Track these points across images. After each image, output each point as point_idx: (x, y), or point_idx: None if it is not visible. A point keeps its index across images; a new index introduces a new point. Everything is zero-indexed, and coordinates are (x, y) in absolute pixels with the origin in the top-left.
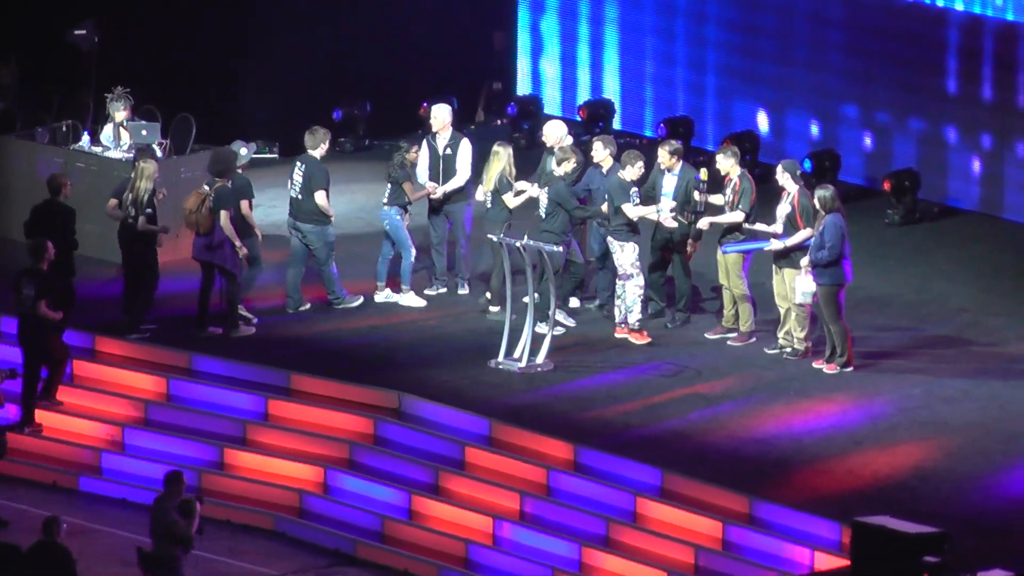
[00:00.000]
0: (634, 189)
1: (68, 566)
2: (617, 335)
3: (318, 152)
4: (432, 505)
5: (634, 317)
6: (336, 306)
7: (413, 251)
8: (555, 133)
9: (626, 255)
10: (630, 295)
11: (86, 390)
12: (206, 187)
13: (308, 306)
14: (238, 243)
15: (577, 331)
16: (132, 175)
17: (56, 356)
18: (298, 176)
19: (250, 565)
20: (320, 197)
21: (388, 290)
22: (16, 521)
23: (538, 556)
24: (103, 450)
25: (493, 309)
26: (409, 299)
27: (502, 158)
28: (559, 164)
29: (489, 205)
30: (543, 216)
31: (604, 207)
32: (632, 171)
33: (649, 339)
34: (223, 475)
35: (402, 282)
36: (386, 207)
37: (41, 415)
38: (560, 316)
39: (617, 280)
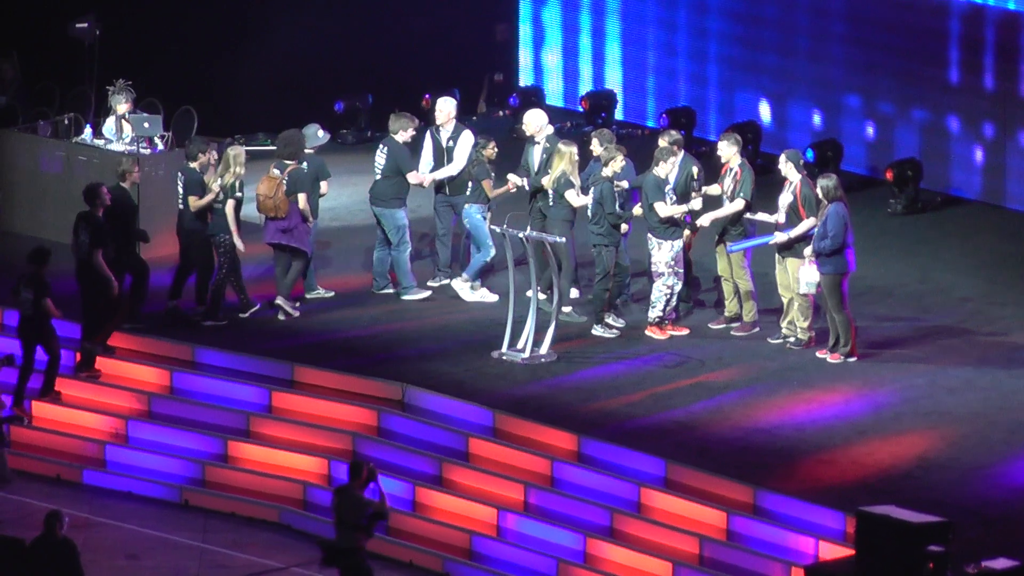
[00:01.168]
0: (669, 187)
1: (72, 559)
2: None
3: (400, 136)
4: (436, 496)
5: (653, 313)
6: (402, 296)
7: (492, 251)
8: (535, 123)
9: (662, 253)
10: (655, 292)
11: (90, 383)
12: (276, 171)
13: (390, 289)
14: (311, 221)
15: (580, 323)
16: (220, 163)
17: (56, 351)
18: (380, 158)
19: (255, 557)
20: (413, 177)
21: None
22: (20, 515)
23: (543, 547)
24: (107, 443)
25: (566, 310)
26: (481, 294)
27: (565, 156)
28: (606, 164)
29: (552, 204)
30: (588, 216)
31: (637, 209)
32: (665, 167)
33: (668, 335)
34: (227, 467)
35: (471, 277)
36: (467, 206)
37: (43, 408)
38: (610, 319)
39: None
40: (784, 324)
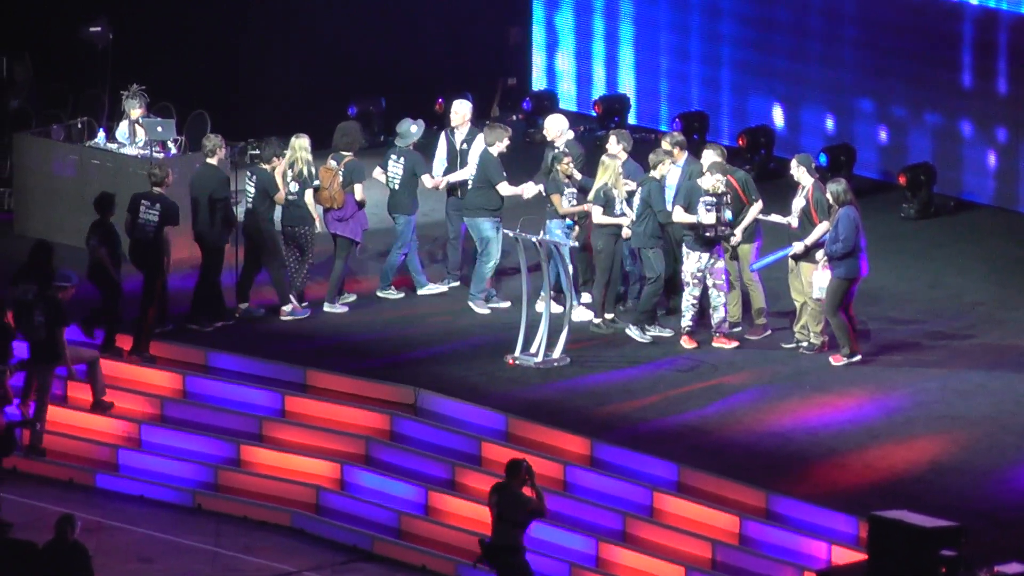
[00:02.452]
0: (708, 197)
1: (84, 564)
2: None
3: (495, 148)
4: (449, 501)
5: (684, 322)
6: (471, 302)
7: (570, 267)
8: (555, 128)
9: (688, 263)
10: (683, 301)
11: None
12: (332, 162)
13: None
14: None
15: (595, 327)
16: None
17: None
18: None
19: (267, 561)
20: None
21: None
22: (32, 519)
23: (555, 551)
24: (120, 447)
25: (608, 316)
26: (581, 314)
27: (608, 169)
28: (654, 167)
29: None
30: (634, 217)
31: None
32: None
33: (696, 344)
34: (240, 471)
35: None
36: (548, 222)
37: (56, 412)
38: (656, 330)
39: None
40: (797, 328)
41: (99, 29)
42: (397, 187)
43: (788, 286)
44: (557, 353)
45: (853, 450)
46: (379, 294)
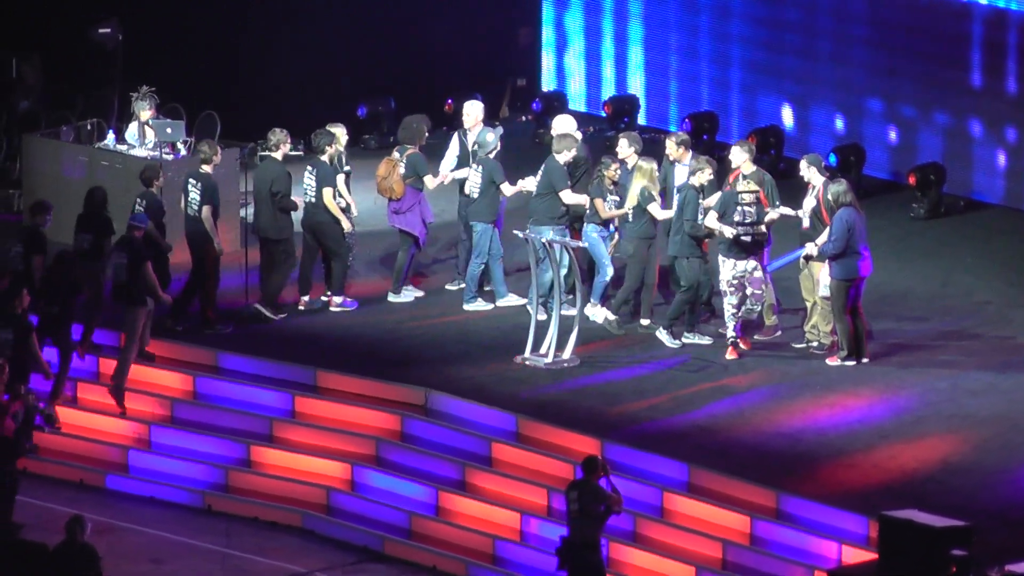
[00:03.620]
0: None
1: (94, 565)
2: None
3: (562, 156)
4: (459, 501)
5: (728, 333)
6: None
7: (610, 270)
8: (564, 128)
9: (724, 271)
10: (725, 311)
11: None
12: (396, 154)
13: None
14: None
15: (602, 327)
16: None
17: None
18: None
19: (278, 562)
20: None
21: (598, 307)
22: (43, 520)
23: None
24: (130, 448)
25: (644, 322)
26: (599, 313)
27: (645, 173)
28: (693, 174)
29: (631, 219)
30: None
31: (710, 221)
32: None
33: (736, 355)
34: (250, 472)
35: (592, 296)
36: (586, 225)
37: (67, 413)
38: (695, 337)
39: None
40: (807, 328)
41: (109, 30)
42: (476, 195)
43: (799, 286)
44: (567, 354)
45: (863, 450)
46: (466, 308)
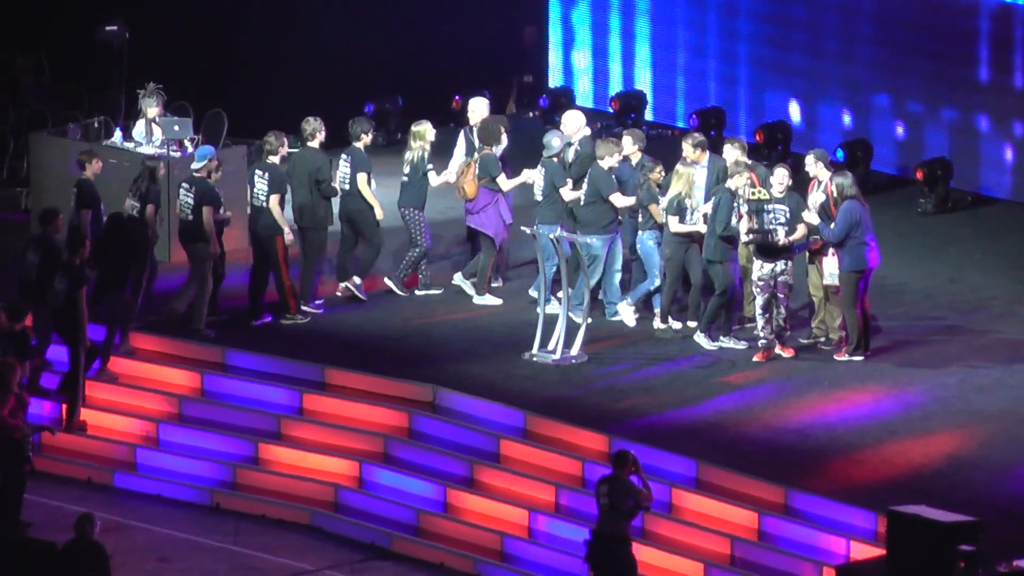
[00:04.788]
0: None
1: (102, 563)
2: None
3: (606, 162)
4: (467, 498)
5: (760, 336)
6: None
7: (657, 281)
8: (573, 124)
9: (754, 271)
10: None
11: (120, 386)
12: (476, 154)
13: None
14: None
15: (610, 324)
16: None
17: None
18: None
19: (285, 560)
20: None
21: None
22: (51, 518)
23: (574, 548)
24: (138, 446)
25: (662, 326)
26: (628, 313)
27: (682, 178)
28: (731, 176)
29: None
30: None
31: (741, 224)
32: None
33: (763, 359)
34: (258, 470)
35: (631, 297)
36: (640, 232)
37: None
38: (730, 342)
39: None
40: (815, 324)
41: (115, 28)
42: (541, 198)
43: (806, 281)
44: (575, 350)
45: (871, 445)
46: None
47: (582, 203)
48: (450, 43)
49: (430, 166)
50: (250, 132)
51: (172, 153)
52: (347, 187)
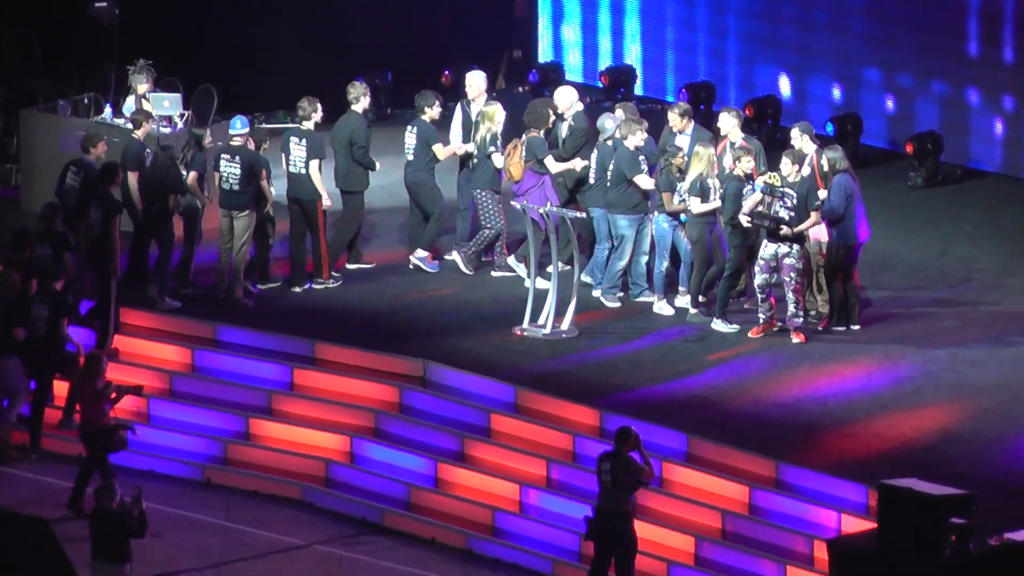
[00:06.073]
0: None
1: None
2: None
3: (630, 141)
4: (458, 473)
5: (760, 311)
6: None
7: (667, 263)
8: (566, 100)
9: (761, 250)
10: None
11: (111, 362)
12: (524, 135)
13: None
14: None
15: (600, 300)
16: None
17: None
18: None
19: (277, 535)
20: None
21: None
22: (43, 495)
23: (565, 522)
24: (130, 422)
25: (694, 311)
26: (665, 308)
27: (703, 159)
28: (736, 160)
29: (689, 206)
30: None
31: (746, 203)
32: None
33: (758, 335)
34: (249, 445)
35: (657, 289)
36: (655, 214)
37: (63, 388)
38: (721, 326)
39: None
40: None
41: (105, 5)
42: (593, 181)
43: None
44: (565, 325)
45: (862, 419)
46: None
47: (609, 184)
48: (439, 18)
49: (492, 148)
50: (239, 109)
51: (162, 129)
52: (410, 158)
